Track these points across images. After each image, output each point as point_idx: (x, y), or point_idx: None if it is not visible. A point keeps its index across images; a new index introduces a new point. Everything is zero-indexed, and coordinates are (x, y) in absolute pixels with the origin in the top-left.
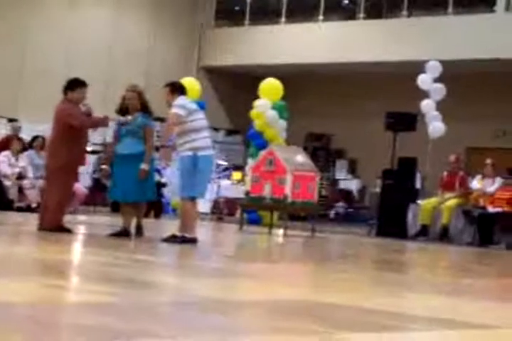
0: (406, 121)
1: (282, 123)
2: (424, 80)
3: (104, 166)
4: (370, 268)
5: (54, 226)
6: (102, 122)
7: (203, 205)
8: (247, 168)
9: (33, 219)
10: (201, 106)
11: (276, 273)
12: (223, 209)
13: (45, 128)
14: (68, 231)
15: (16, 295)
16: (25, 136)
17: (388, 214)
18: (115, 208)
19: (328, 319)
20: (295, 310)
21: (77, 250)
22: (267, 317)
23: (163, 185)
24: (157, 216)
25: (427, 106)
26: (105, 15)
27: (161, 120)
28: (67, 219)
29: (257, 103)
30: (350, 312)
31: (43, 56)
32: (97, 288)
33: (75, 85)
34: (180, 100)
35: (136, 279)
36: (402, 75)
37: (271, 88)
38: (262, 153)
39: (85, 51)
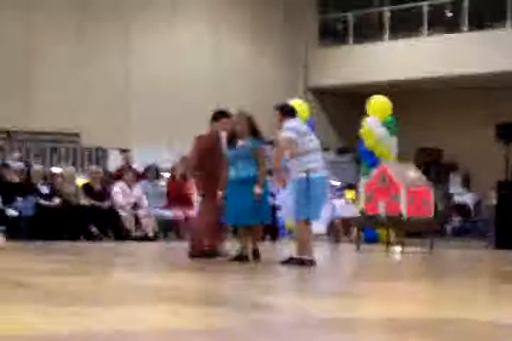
0: None
1: (393, 140)
2: None
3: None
4: (490, 281)
5: (199, 252)
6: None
7: (319, 226)
8: (360, 186)
9: (153, 248)
10: (311, 126)
11: (393, 291)
12: (339, 230)
13: (156, 158)
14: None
15: (142, 323)
16: (137, 165)
17: (506, 225)
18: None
19: (444, 334)
20: (412, 326)
21: (197, 275)
22: (385, 335)
23: (277, 207)
24: (273, 239)
25: None
26: (207, 33)
27: (270, 143)
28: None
29: (365, 121)
30: (466, 326)
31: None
32: (221, 312)
33: (217, 116)
34: (291, 123)
35: (257, 302)
36: (508, 84)
37: (379, 105)
38: (375, 170)
39: (189, 72)
